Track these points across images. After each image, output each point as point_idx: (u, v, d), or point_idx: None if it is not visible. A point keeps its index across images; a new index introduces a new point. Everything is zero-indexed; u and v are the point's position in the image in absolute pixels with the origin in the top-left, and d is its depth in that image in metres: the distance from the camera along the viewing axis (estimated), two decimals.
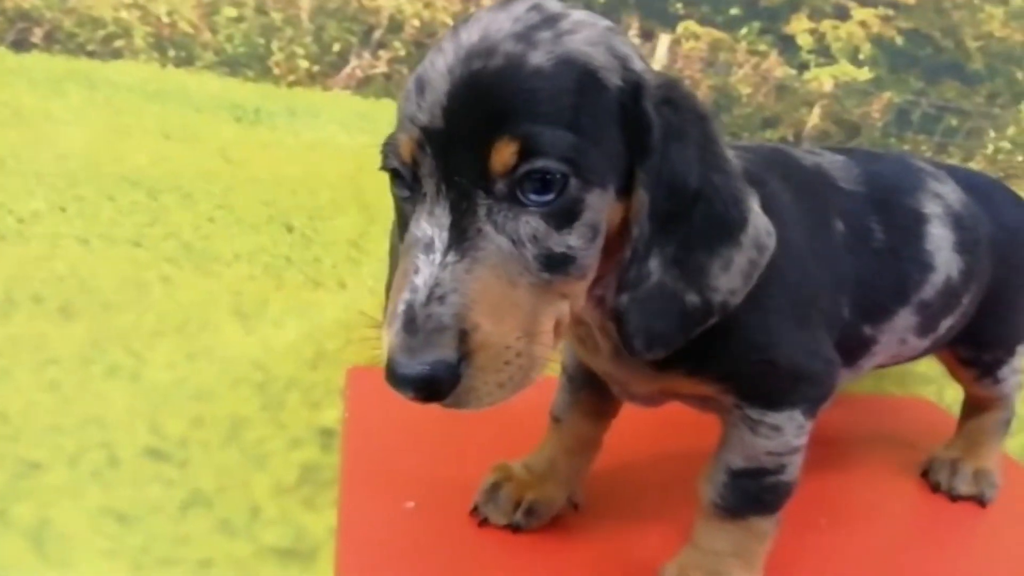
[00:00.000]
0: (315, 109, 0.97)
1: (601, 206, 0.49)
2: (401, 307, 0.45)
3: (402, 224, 0.52)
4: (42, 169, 0.95)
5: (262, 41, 0.93)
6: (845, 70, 1.02)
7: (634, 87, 0.50)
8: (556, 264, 0.48)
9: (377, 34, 0.95)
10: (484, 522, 0.73)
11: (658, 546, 0.69)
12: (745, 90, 1.01)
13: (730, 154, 0.55)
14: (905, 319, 0.72)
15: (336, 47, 0.95)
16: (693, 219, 0.52)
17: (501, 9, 0.50)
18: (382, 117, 0.97)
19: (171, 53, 0.93)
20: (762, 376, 0.62)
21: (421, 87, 0.48)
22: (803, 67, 1.03)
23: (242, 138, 0.97)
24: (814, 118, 1.04)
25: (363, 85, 0.97)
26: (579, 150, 0.47)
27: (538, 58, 0.47)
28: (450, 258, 0.46)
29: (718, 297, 0.53)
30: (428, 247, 0.46)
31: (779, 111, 1.03)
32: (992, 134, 1.08)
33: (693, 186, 0.51)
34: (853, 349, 0.70)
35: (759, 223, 0.54)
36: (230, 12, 0.91)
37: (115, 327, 1.00)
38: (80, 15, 0.90)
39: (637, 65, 0.52)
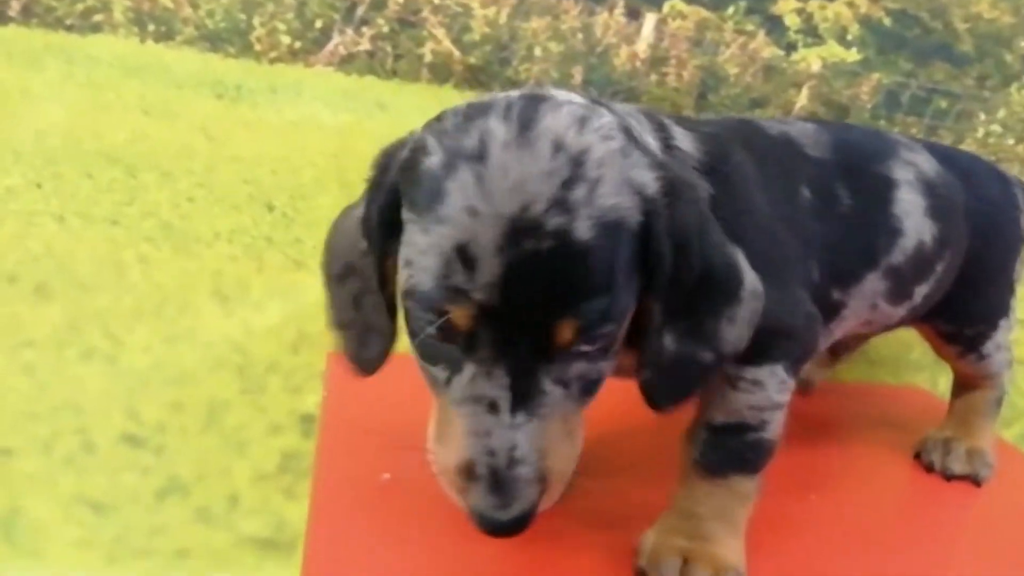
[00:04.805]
0: (297, 86, 0.95)
1: (624, 326, 0.53)
2: (482, 470, 0.50)
3: (435, 356, 0.53)
4: (19, 145, 0.93)
5: (243, 16, 0.92)
6: (833, 51, 1.01)
7: (648, 214, 0.51)
8: (592, 388, 0.54)
9: (360, 11, 0.94)
10: None
11: (642, 516, 0.67)
12: (733, 70, 1.00)
13: (716, 225, 0.57)
14: (874, 283, 0.73)
15: (319, 23, 0.94)
16: (699, 296, 0.54)
17: (524, 153, 0.48)
18: (366, 95, 0.96)
19: (151, 28, 0.92)
20: None
21: (467, 260, 0.48)
22: (791, 47, 1.02)
23: (223, 115, 0.95)
24: (802, 99, 1.03)
25: (346, 62, 0.95)
26: (619, 306, 0.51)
27: (581, 230, 0.48)
28: (519, 419, 0.50)
29: (728, 348, 0.57)
30: (492, 407, 0.50)
31: (767, 92, 1.02)
32: (982, 117, 1.08)
33: (697, 274, 0.54)
34: (823, 313, 0.70)
35: (749, 277, 0.57)
36: None
37: (92, 309, 0.98)
38: None
39: (649, 187, 0.51)
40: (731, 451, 0.64)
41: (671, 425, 0.67)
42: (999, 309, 0.87)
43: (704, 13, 0.98)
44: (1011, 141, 1.09)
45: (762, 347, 0.62)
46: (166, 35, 0.92)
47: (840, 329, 0.75)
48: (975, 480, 0.86)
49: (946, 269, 0.78)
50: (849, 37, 1.02)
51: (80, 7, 0.89)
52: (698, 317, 0.55)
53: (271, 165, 0.97)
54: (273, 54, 0.94)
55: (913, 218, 0.73)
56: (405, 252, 0.51)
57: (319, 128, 0.97)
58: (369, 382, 0.90)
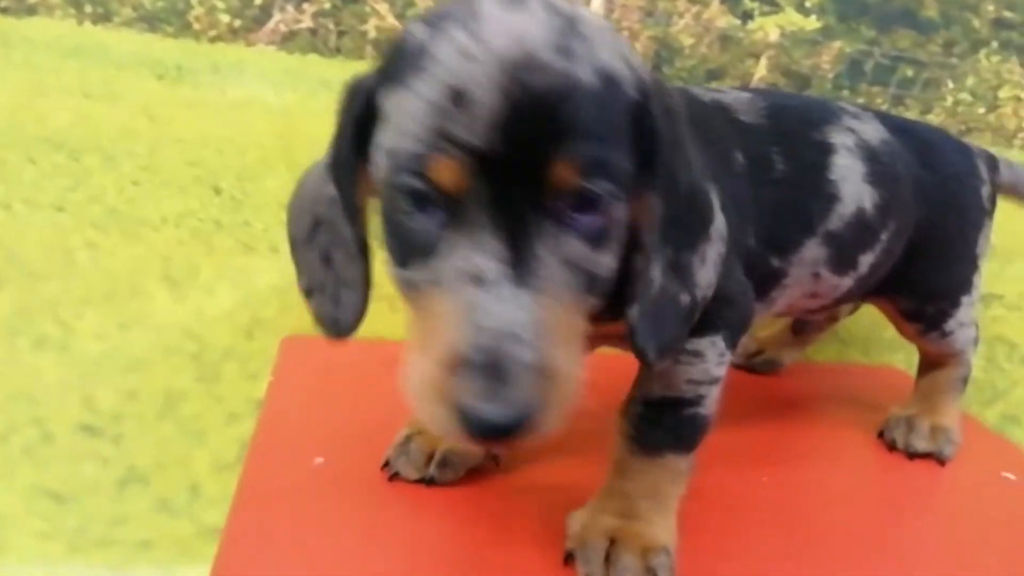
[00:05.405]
0: (239, 65, 0.94)
1: (624, 220, 0.49)
2: (473, 353, 0.42)
3: (411, 247, 0.47)
4: None
5: None
6: (791, 19, 0.98)
7: (645, 98, 0.49)
8: (595, 285, 0.48)
9: None
10: (395, 476, 0.69)
11: (577, 501, 0.65)
12: (687, 41, 0.97)
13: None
14: (813, 250, 0.71)
15: (258, 0, 0.92)
16: (685, 222, 0.52)
17: (517, 10, 0.46)
18: (309, 73, 0.94)
19: (88, 9, 0.90)
20: None
21: (459, 100, 0.43)
22: (747, 16, 0.99)
23: (165, 96, 0.94)
24: (761, 70, 1.00)
25: (288, 40, 0.93)
26: (622, 168, 0.47)
27: (584, 74, 0.45)
28: (511, 291, 0.43)
29: (700, 292, 0.54)
30: (481, 281, 0.43)
31: (724, 63, 0.99)
32: (951, 85, 1.04)
33: (687, 191, 0.51)
34: (763, 281, 0.69)
35: (720, 215, 0.55)
36: None
37: (42, 296, 0.97)
38: None
39: (642, 71, 0.50)
40: (666, 427, 0.62)
41: (612, 402, 0.65)
42: (961, 285, 0.84)
43: None
44: (982, 109, 1.05)
45: (703, 315, 0.60)
46: (103, 16, 0.90)
47: (783, 299, 0.73)
48: (939, 458, 0.84)
49: (892, 238, 0.76)
50: (808, 4, 0.99)
51: None
52: (681, 249, 0.52)
53: (216, 146, 0.95)
54: (212, 33, 0.92)
55: (851, 183, 0.72)
56: (384, 135, 0.47)
57: (263, 108, 0.95)
58: (317, 369, 0.90)
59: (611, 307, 0.53)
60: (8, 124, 0.92)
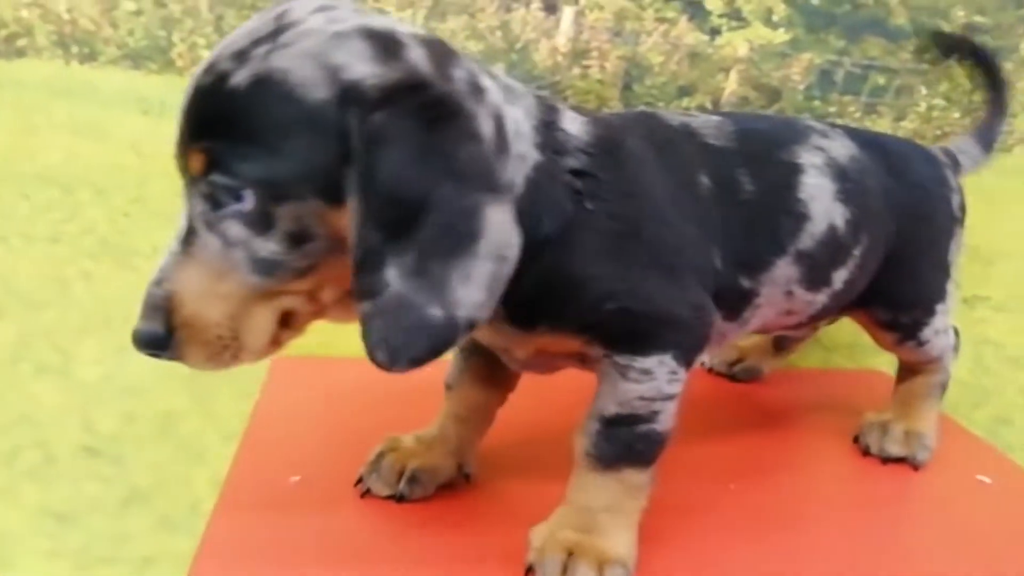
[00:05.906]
0: None
1: (300, 215, 0.52)
2: (146, 289, 0.56)
3: None
4: None
5: (163, 33, 0.94)
6: (759, 33, 1.00)
7: (341, 96, 0.51)
8: (264, 267, 0.54)
9: None
10: (367, 493, 0.72)
11: (543, 516, 0.67)
12: (656, 59, 0.99)
13: (475, 157, 0.53)
14: (784, 269, 0.72)
15: None
16: (425, 229, 0.51)
17: (259, 16, 0.55)
18: None
19: (74, 49, 0.94)
20: (621, 323, 0.62)
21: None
22: (715, 32, 1.01)
23: (151, 131, 0.97)
24: (731, 84, 1.01)
25: None
26: (260, 165, 0.51)
27: (239, 77, 0.51)
28: (176, 249, 0.55)
29: (462, 312, 0.51)
30: (172, 242, 0.56)
31: (694, 79, 1.01)
32: (924, 91, 1.05)
33: (413, 194, 0.50)
34: (733, 302, 0.70)
35: (499, 233, 0.52)
36: (129, 6, 0.92)
37: (40, 325, 1.01)
38: None
39: (354, 73, 0.51)
40: (622, 443, 0.64)
41: (576, 420, 0.67)
42: (935, 294, 0.84)
43: (622, 2, 0.97)
44: (957, 114, 1.06)
45: (647, 336, 0.63)
46: (89, 56, 0.94)
47: (756, 318, 0.74)
48: (912, 463, 0.85)
49: (865, 254, 0.77)
50: (775, 18, 1.00)
51: (3, 33, 0.92)
52: (426, 257, 0.51)
53: None
54: (194, 69, 0.95)
55: (821, 202, 0.73)
56: None
57: None
58: (303, 389, 0.93)
59: (517, 314, 0.60)
60: (1, 162, 0.96)
